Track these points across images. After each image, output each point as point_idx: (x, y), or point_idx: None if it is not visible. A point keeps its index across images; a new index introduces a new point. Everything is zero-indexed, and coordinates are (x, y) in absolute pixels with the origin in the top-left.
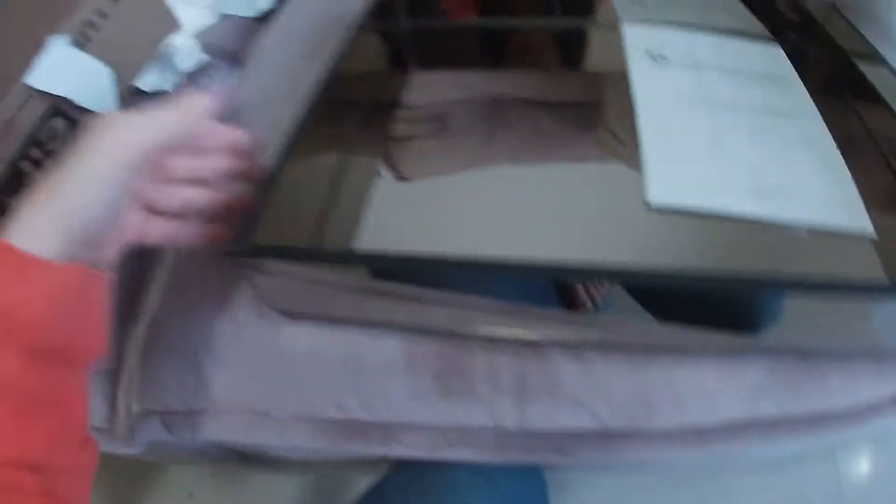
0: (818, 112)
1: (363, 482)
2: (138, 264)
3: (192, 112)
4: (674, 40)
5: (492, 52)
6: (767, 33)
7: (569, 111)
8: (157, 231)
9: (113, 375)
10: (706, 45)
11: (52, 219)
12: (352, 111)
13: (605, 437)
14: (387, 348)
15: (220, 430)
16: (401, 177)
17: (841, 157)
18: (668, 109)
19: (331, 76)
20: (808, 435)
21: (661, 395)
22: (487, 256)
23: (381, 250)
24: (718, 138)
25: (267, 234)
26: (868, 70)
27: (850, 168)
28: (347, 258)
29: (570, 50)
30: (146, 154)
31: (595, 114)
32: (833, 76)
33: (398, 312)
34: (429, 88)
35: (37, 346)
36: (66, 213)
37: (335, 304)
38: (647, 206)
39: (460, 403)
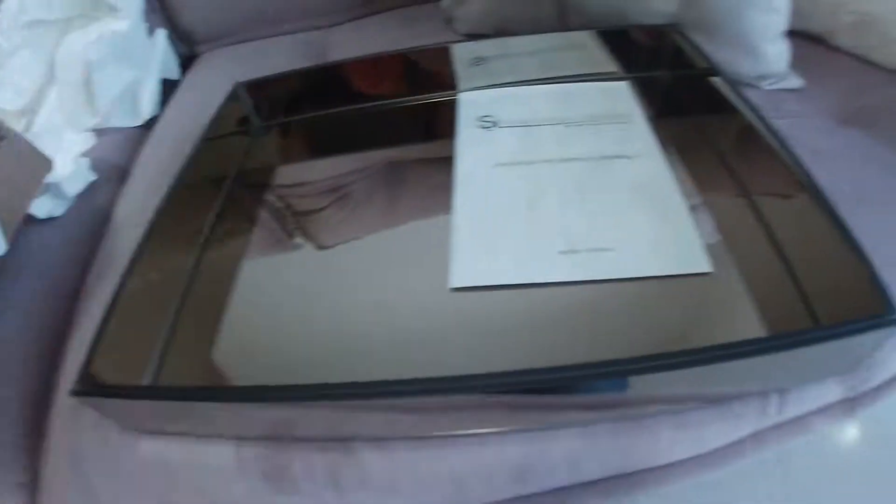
0: (657, 147)
1: None
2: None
3: None
4: (509, 100)
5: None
6: (618, 71)
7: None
8: None
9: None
10: (544, 99)
11: None
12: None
13: None
14: (220, 454)
15: None
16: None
17: (678, 193)
18: (488, 179)
19: (177, 183)
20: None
21: (474, 479)
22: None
23: (212, 385)
24: (536, 203)
25: (110, 367)
26: (711, 84)
27: (696, 190)
28: (188, 396)
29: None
30: None
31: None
32: (680, 98)
33: (228, 421)
34: (328, 167)
35: None
36: None
37: (175, 417)
38: (450, 290)
39: (291, 499)
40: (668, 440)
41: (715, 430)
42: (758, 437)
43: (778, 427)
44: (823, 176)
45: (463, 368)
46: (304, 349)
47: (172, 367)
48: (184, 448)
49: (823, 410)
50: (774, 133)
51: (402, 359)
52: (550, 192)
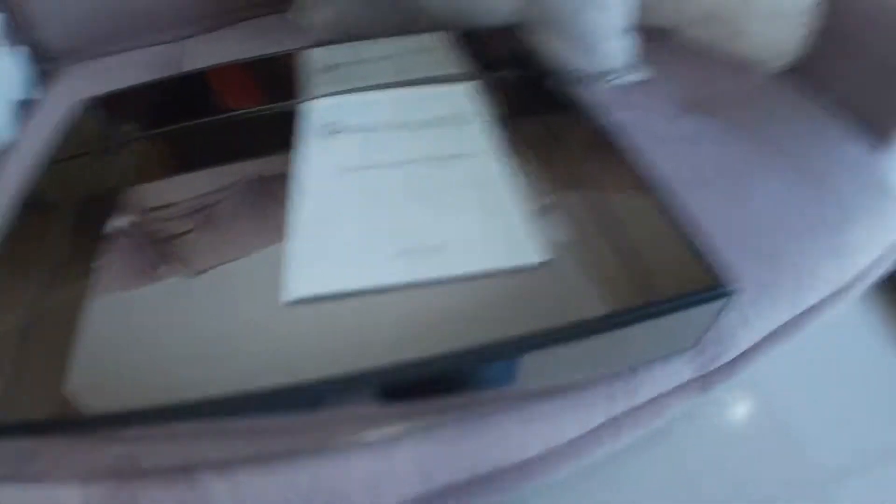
0: (495, 146)
1: None
2: None
3: None
4: (355, 106)
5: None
6: (462, 73)
7: None
8: None
9: None
10: (389, 103)
11: None
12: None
13: None
14: (66, 496)
15: None
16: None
17: (513, 188)
18: (327, 187)
19: (20, 210)
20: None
21: (321, 498)
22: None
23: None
24: (373, 207)
25: None
26: (547, 83)
27: (532, 185)
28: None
29: None
30: None
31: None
32: (520, 97)
33: (72, 460)
34: (190, 185)
35: None
36: None
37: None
38: (283, 303)
39: None
40: (518, 436)
41: (567, 421)
42: (613, 423)
43: (633, 411)
44: (665, 161)
45: (292, 380)
46: (151, 377)
47: (14, 404)
48: (27, 494)
49: (676, 391)
50: (604, 127)
51: (239, 376)
52: (388, 195)
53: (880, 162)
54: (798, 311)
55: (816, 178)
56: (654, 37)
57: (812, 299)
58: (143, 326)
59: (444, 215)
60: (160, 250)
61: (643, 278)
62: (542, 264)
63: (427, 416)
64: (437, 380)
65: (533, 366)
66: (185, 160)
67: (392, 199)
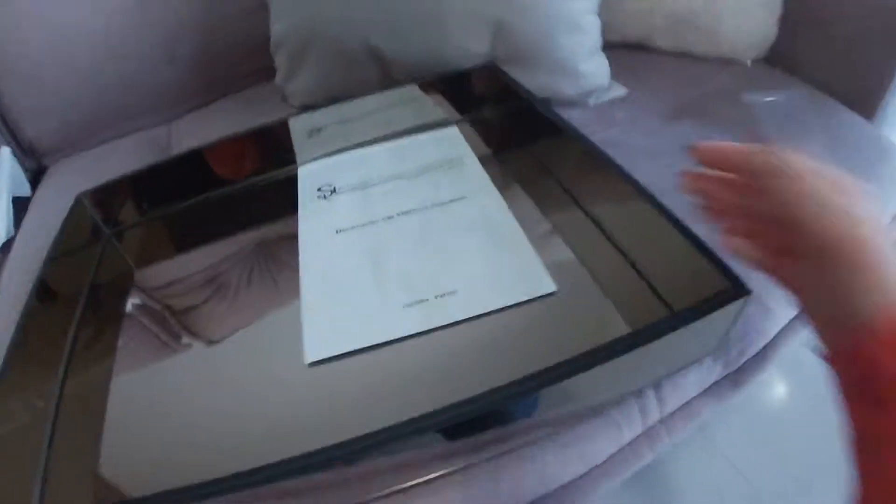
0: (491, 183)
1: None
2: None
3: None
4: (346, 165)
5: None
6: (446, 117)
7: None
8: None
9: None
10: (380, 158)
11: None
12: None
13: None
14: None
15: None
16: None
17: (515, 222)
18: (331, 249)
19: (29, 308)
20: None
21: None
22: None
23: None
24: (379, 262)
25: None
26: (530, 113)
27: (533, 215)
28: None
29: None
30: None
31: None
32: (506, 131)
33: None
34: (198, 259)
35: None
36: None
37: None
38: (306, 364)
39: None
40: (556, 463)
41: (602, 440)
42: (650, 434)
43: (667, 419)
44: (651, 174)
45: (329, 440)
46: (185, 454)
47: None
48: None
49: (708, 392)
50: (594, 147)
51: (270, 442)
52: (392, 248)
53: (876, 129)
54: None
55: (817, 152)
56: (627, 52)
57: None
58: (169, 402)
59: (451, 259)
60: (178, 323)
61: (660, 290)
62: (556, 292)
63: (464, 457)
64: (470, 422)
65: (562, 393)
66: (190, 237)
67: (398, 250)
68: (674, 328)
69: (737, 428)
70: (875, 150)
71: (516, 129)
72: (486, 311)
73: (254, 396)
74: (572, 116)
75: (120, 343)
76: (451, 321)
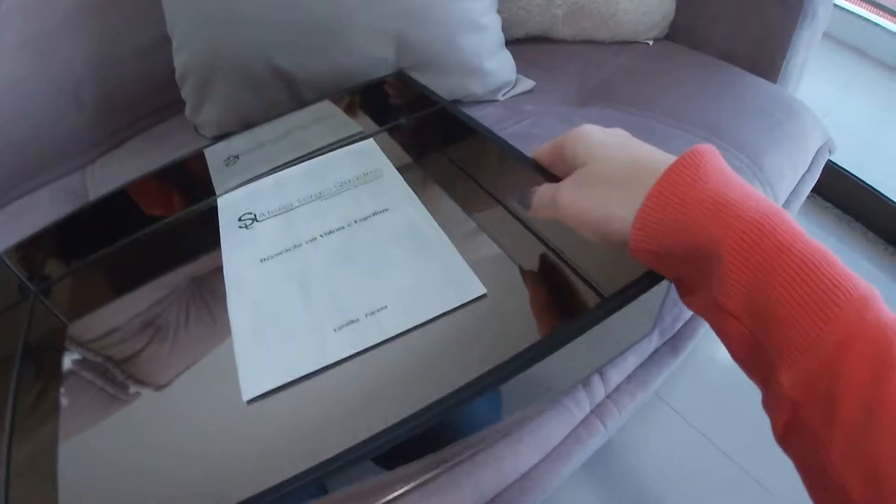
0: (411, 192)
1: None
2: None
3: None
4: (265, 191)
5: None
6: (360, 130)
7: None
8: None
9: None
10: (298, 179)
11: None
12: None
13: None
14: None
15: None
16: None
17: (439, 229)
18: (257, 279)
19: None
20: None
21: None
22: None
23: None
24: (307, 287)
25: None
26: (442, 116)
27: (458, 219)
28: None
29: None
30: None
31: None
32: (421, 137)
33: None
34: (131, 305)
35: None
36: None
37: None
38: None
39: None
40: (511, 457)
41: (552, 425)
42: (599, 412)
43: (614, 394)
44: None
45: (274, 479)
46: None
47: None
48: None
49: (647, 362)
50: (506, 143)
51: (226, 486)
52: (318, 270)
53: (781, 90)
54: None
55: (729, 121)
56: (532, 45)
57: None
58: (120, 455)
59: (378, 274)
60: (121, 373)
61: (589, 278)
62: (486, 294)
63: (420, 472)
64: (421, 435)
65: (508, 395)
66: (120, 282)
67: (324, 272)
68: (608, 313)
69: (694, 395)
70: (783, 109)
71: (432, 134)
72: (418, 322)
73: (203, 440)
74: (485, 114)
75: (63, 402)
76: (385, 338)
